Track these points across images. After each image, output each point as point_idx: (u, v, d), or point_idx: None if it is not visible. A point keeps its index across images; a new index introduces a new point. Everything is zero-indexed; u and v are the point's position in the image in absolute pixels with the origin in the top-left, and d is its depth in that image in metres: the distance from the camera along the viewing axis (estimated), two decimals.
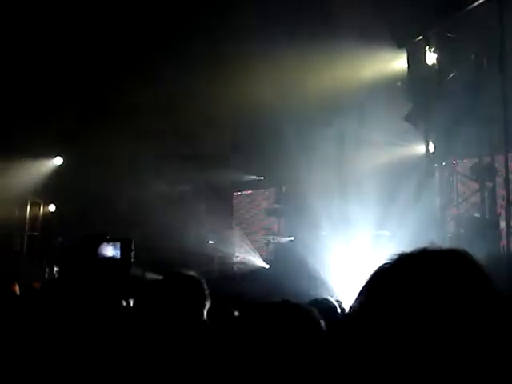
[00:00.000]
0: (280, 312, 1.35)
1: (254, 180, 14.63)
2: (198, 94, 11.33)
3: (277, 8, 10.00)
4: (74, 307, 2.09)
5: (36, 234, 13.90)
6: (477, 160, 9.41)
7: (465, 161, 10.07)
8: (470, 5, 8.26)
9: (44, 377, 2.06)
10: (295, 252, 10.51)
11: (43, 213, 14.08)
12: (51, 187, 13.48)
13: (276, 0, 10.44)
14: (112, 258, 2.48)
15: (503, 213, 8.35)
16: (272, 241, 12.51)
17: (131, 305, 2.72)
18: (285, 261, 11.35)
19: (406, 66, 9.85)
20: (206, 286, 2.10)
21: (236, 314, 3.05)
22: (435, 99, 9.31)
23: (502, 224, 8.36)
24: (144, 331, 2.04)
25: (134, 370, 1.96)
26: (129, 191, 12.16)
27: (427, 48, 9.36)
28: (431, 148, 9.59)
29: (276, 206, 13.69)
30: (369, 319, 0.85)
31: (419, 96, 9.58)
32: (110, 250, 2.49)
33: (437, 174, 9.61)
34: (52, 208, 14.11)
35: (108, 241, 2.51)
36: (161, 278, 2.13)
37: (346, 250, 9.36)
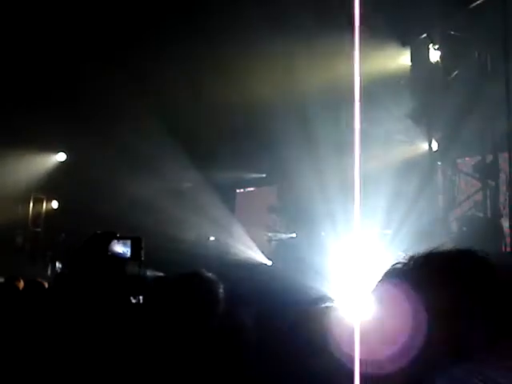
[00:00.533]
0: None
1: (256, 177, 14.64)
2: (197, 92, 11.34)
3: (280, 4, 9.97)
4: (85, 304, 2.10)
5: (39, 230, 13.93)
6: (480, 158, 9.40)
7: (468, 159, 10.06)
8: (473, 2, 8.25)
9: (52, 373, 2.07)
10: (297, 249, 10.53)
11: (46, 209, 14.10)
12: (54, 183, 13.49)
13: None
14: (122, 256, 2.49)
15: (506, 211, 8.35)
16: (274, 238, 12.52)
17: (141, 302, 2.74)
18: (286, 257, 11.37)
19: (410, 63, 9.84)
20: (221, 290, 2.10)
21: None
22: (438, 97, 9.31)
23: (505, 223, 8.37)
24: (153, 329, 2.05)
25: (139, 366, 1.97)
26: (131, 188, 12.17)
27: (431, 46, 9.35)
28: (434, 146, 9.58)
29: (278, 203, 13.70)
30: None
31: (422, 94, 9.58)
32: (120, 248, 2.50)
33: (439, 173, 9.60)
34: (55, 204, 14.12)
35: (118, 239, 2.53)
36: (176, 276, 2.13)
37: (349, 249, 9.36)
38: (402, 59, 9.97)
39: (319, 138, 10.36)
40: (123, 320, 2.11)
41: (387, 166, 9.88)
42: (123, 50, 11.16)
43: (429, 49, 9.38)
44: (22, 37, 10.46)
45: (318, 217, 10.19)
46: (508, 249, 8.48)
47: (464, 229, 9.04)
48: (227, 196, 14.81)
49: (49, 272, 11.73)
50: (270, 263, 12.11)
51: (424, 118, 9.57)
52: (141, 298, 2.66)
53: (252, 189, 15.30)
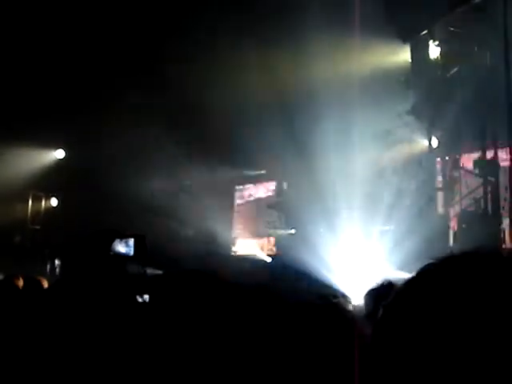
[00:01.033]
0: None
1: (255, 174, 14.62)
2: (197, 91, 11.32)
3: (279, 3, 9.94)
4: (88, 304, 2.08)
5: (38, 227, 13.90)
6: (480, 154, 9.39)
7: (467, 155, 10.04)
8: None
9: (55, 374, 2.06)
10: (296, 246, 10.51)
11: (45, 207, 14.06)
12: (54, 181, 13.45)
13: None
14: (125, 255, 2.47)
15: (506, 207, 8.36)
16: (273, 234, 12.52)
17: (147, 301, 2.71)
18: (285, 254, 11.37)
19: (410, 60, 9.82)
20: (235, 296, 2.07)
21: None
22: (438, 94, 9.29)
23: (505, 219, 8.37)
24: (163, 328, 2.03)
25: (144, 365, 1.96)
26: (131, 186, 12.13)
27: (431, 42, 9.33)
28: (434, 143, 9.57)
29: (277, 199, 13.71)
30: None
31: (422, 90, 9.56)
32: (122, 248, 2.47)
33: (440, 169, 9.59)
34: (54, 202, 14.09)
35: (121, 237, 2.50)
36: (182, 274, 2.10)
37: (347, 245, 9.35)
38: (402, 56, 9.95)
39: (318, 134, 10.34)
40: (132, 320, 2.09)
41: (387, 163, 9.87)
42: (123, 48, 11.11)
43: (429, 45, 9.36)
44: (23, 37, 10.42)
45: (316, 213, 10.18)
46: (508, 245, 8.48)
47: (463, 225, 9.04)
48: (226, 192, 14.82)
49: (48, 269, 11.71)
50: (269, 260, 12.12)
51: (424, 115, 9.55)
52: (146, 297, 2.64)
53: (251, 185, 15.28)
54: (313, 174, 10.29)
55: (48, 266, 11.91)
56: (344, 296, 4.10)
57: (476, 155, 9.34)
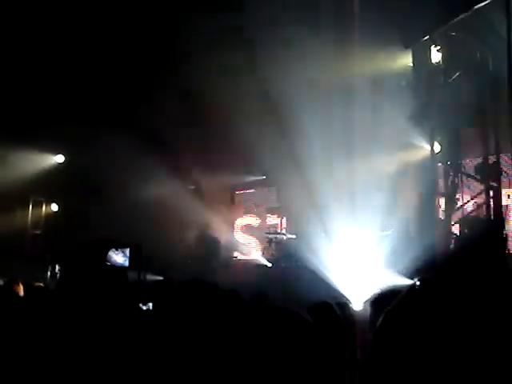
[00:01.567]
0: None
1: (255, 179, 14.62)
2: (197, 93, 11.31)
3: (284, 5, 9.93)
4: (90, 314, 2.05)
5: (38, 232, 13.91)
6: (482, 160, 9.37)
7: (470, 160, 10.02)
8: (476, 4, 8.22)
9: (58, 379, 2.03)
10: (298, 251, 10.49)
11: (46, 212, 14.07)
12: (54, 186, 13.46)
13: None
14: (121, 266, 2.44)
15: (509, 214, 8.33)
16: (274, 240, 12.48)
17: (151, 308, 2.68)
18: (287, 259, 11.34)
19: (411, 65, 9.82)
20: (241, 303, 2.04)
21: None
22: (440, 99, 9.28)
23: (508, 225, 8.34)
24: (169, 335, 2.01)
25: (148, 368, 1.94)
26: (130, 191, 12.13)
27: (433, 47, 9.32)
28: (436, 148, 9.55)
29: (278, 204, 13.72)
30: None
31: (424, 95, 9.55)
32: (119, 258, 2.45)
33: (442, 174, 9.56)
34: (55, 207, 14.10)
35: (116, 247, 2.48)
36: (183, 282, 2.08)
37: (349, 251, 9.33)
38: (404, 61, 9.94)
39: (319, 140, 10.33)
40: (138, 329, 2.06)
41: (389, 168, 9.84)
42: (124, 53, 11.13)
43: (430, 50, 9.35)
44: (25, 39, 10.43)
45: (318, 218, 10.16)
46: (511, 251, 8.45)
47: (466, 231, 9.01)
48: (226, 198, 14.81)
49: (48, 275, 11.69)
50: (270, 265, 12.08)
51: (426, 120, 9.54)
52: (150, 304, 2.59)
53: (251, 190, 15.27)
54: (314, 179, 10.27)
55: (49, 272, 11.90)
56: (346, 302, 4.08)
57: (478, 160, 9.32)
